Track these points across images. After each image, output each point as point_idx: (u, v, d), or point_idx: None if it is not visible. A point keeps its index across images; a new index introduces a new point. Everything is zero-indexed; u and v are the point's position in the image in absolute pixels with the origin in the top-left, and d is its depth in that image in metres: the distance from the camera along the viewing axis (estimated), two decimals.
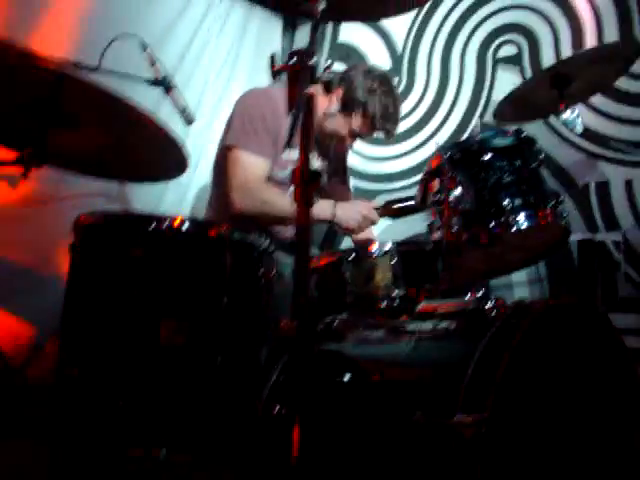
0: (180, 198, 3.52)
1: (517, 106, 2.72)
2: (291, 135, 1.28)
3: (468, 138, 2.29)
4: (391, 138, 3.06)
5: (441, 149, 2.19)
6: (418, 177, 3.62)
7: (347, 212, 2.87)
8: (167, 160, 1.94)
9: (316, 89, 1.52)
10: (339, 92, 2.94)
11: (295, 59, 1.38)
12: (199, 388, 2.04)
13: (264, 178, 2.87)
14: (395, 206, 2.81)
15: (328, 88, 2.95)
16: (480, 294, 1.94)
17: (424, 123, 3.82)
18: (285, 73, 1.44)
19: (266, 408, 1.93)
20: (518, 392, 1.56)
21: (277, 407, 1.87)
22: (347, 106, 2.92)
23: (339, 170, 3.35)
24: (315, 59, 1.39)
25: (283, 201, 2.82)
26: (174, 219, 2.06)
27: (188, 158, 1.94)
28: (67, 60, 2.20)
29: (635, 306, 3.18)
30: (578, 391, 1.78)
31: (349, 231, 2.94)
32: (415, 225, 3.36)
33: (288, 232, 3.05)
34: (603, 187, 3.29)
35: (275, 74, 1.42)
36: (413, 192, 3.02)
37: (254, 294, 2.21)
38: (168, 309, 2.03)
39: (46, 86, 1.69)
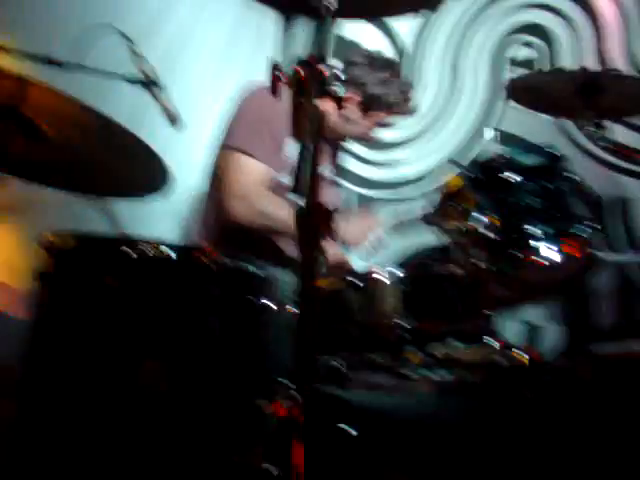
0: (167, 208, 3.24)
1: (533, 93, 2.49)
2: (301, 175, 1.00)
3: (492, 156, 2.03)
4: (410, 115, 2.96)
5: (461, 167, 1.93)
6: (420, 188, 3.58)
7: (353, 229, 2.64)
8: (146, 175, 1.67)
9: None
10: (356, 95, 2.76)
11: (302, 67, 1.10)
12: (186, 433, 1.80)
13: (265, 187, 2.63)
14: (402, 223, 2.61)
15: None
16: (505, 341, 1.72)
17: (432, 128, 3.57)
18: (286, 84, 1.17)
19: (261, 461, 1.69)
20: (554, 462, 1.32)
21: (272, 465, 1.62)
22: (369, 107, 2.77)
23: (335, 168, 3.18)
24: (326, 66, 1.12)
25: (283, 214, 2.57)
26: (157, 244, 1.81)
27: (169, 171, 1.68)
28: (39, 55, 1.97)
29: None
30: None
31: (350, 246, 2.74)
32: (418, 241, 3.15)
33: (290, 248, 2.82)
34: (626, 204, 3.06)
35: (276, 85, 1.14)
36: (414, 204, 2.90)
37: (246, 324, 1.96)
38: (151, 344, 1.78)
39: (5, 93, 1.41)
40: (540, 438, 1.35)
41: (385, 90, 2.76)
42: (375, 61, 2.83)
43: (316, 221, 1.07)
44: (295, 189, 1.01)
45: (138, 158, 1.53)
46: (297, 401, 1.13)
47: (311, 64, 1.11)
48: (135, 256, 1.74)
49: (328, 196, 3.04)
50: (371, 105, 2.77)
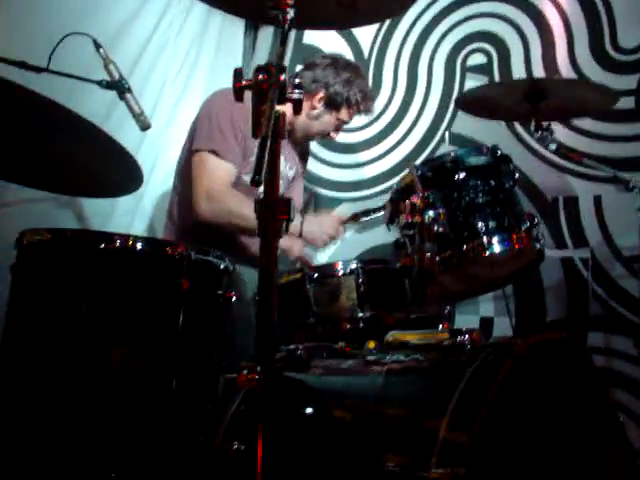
0: (134, 205, 3.33)
1: (483, 103, 2.72)
2: (260, 167, 1.12)
3: (441, 155, 2.16)
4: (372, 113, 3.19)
5: (413, 168, 2.06)
6: (382, 186, 3.73)
7: (314, 231, 2.84)
8: (120, 174, 1.77)
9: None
10: (319, 93, 2.98)
11: (263, 75, 1.23)
12: (153, 419, 1.90)
13: (231, 184, 2.77)
14: (362, 219, 2.75)
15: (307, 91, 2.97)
16: (452, 326, 1.85)
17: (390, 130, 3.71)
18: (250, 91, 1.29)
19: (225, 441, 1.80)
20: (498, 441, 1.45)
21: (236, 443, 1.74)
22: (332, 104, 2.99)
23: (303, 168, 3.36)
24: (285, 75, 1.24)
25: (249, 211, 2.68)
26: (127, 237, 1.91)
27: (141, 172, 1.78)
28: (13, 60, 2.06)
29: (603, 325, 3.11)
30: (558, 431, 1.67)
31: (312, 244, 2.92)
32: (378, 236, 3.30)
33: (255, 246, 2.93)
34: (572, 203, 3.22)
35: (239, 92, 1.26)
36: (378, 201, 3.02)
37: (212, 316, 2.08)
38: (120, 335, 1.89)
39: None
40: (486, 412, 1.47)
41: (347, 89, 2.96)
42: (337, 62, 3.04)
43: (274, 211, 1.20)
44: (254, 180, 1.12)
45: (112, 158, 1.62)
46: (259, 379, 1.24)
47: (271, 71, 1.23)
48: (108, 248, 1.85)
49: (294, 194, 3.21)
50: (334, 103, 2.97)
